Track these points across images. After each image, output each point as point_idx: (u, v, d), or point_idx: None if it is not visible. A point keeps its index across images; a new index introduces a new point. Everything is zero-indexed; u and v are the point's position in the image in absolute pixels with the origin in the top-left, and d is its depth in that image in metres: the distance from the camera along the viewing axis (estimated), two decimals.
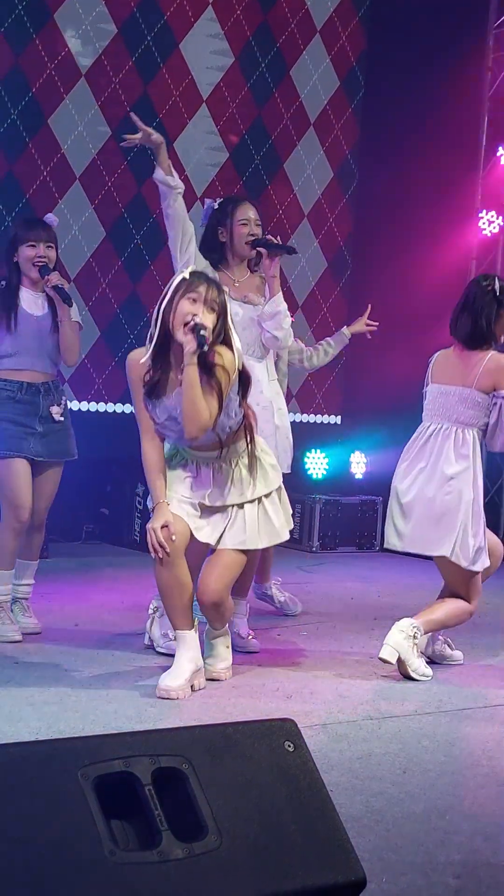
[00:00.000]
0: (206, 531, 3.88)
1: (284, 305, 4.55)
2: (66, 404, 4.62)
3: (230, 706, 3.69)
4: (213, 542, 3.90)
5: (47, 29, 6.87)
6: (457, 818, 2.80)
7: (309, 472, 7.83)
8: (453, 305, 4.48)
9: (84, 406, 7.09)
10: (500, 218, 7.51)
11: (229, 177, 7.62)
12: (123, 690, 3.78)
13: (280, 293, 4.53)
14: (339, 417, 8.31)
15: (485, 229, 7.52)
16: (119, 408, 7.20)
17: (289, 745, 2.17)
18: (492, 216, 7.51)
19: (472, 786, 3.04)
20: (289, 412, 4.90)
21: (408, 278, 7.74)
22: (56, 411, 4.50)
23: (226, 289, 4.07)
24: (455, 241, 7.52)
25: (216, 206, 4.54)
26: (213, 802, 2.03)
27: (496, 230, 7.51)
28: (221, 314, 3.75)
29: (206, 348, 3.65)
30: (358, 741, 3.38)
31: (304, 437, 7.45)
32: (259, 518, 3.95)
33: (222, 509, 3.91)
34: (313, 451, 7.87)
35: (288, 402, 4.91)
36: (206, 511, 3.90)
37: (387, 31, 8.04)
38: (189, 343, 3.64)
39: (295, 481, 7.40)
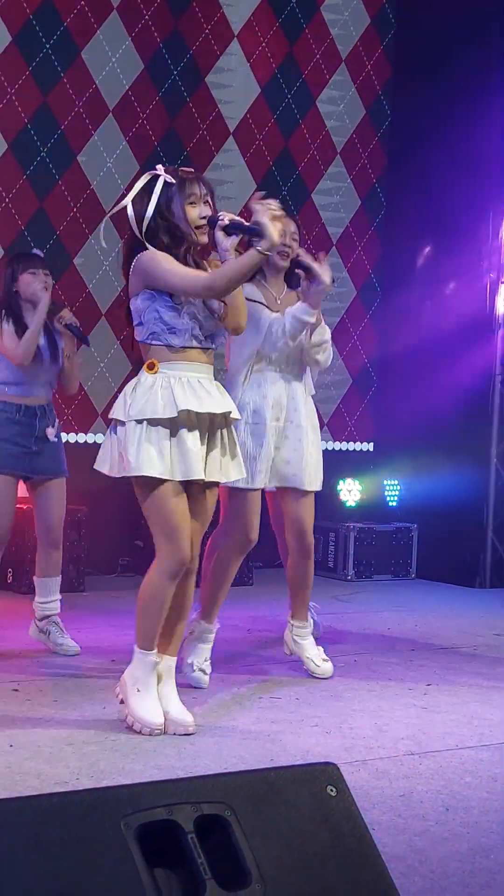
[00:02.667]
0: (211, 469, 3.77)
1: (329, 333, 4.63)
2: (58, 425, 4.85)
3: (269, 742, 3.67)
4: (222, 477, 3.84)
5: (75, 66, 6.95)
6: (502, 857, 2.77)
7: (343, 500, 7.80)
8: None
9: None
10: None
11: None
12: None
13: (322, 321, 4.61)
14: (371, 444, 8.28)
15: None
16: None
17: (331, 790, 2.15)
18: None
19: None
20: (321, 440, 4.88)
21: (437, 304, 7.73)
22: (51, 432, 4.77)
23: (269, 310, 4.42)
24: (484, 267, 7.50)
25: None
26: (257, 850, 2.01)
27: None
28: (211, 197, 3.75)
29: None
30: (399, 778, 3.36)
31: (337, 465, 7.41)
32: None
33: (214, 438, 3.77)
34: (346, 478, 7.84)
35: (320, 429, 4.88)
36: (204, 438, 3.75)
37: (412, 59, 8.06)
38: (225, 241, 3.63)
39: (328, 509, 7.42)
